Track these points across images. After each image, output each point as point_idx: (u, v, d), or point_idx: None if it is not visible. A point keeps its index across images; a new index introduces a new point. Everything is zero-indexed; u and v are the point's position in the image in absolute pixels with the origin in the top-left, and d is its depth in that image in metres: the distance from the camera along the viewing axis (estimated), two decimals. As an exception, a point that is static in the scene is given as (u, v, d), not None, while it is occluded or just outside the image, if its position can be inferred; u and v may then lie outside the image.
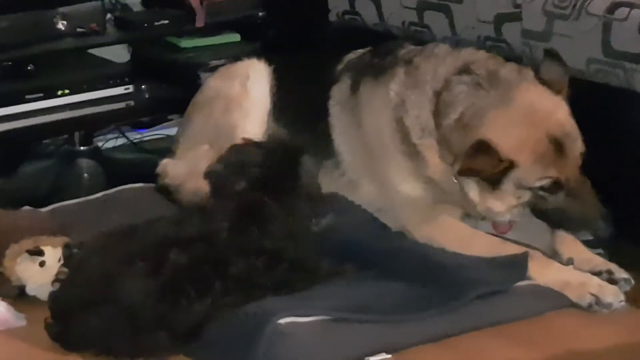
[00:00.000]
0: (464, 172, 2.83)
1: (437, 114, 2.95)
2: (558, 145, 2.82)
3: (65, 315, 2.56)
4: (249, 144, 2.87)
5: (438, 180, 2.96)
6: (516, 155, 2.80)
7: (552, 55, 2.99)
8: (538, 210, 2.88)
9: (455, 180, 2.91)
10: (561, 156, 2.82)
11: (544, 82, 2.91)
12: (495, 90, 2.89)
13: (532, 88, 2.90)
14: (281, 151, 2.79)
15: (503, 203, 2.87)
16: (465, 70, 2.96)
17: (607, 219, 2.82)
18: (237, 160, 2.81)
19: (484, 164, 2.79)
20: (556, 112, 2.86)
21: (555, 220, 2.88)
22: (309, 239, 2.74)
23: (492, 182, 2.83)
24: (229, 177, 2.78)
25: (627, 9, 3.01)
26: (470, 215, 3.02)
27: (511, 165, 2.80)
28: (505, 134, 2.81)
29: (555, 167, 2.81)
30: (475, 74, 2.93)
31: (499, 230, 2.99)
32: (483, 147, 2.79)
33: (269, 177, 2.72)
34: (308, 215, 2.74)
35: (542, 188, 2.83)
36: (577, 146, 2.85)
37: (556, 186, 2.83)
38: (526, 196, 2.85)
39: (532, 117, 2.83)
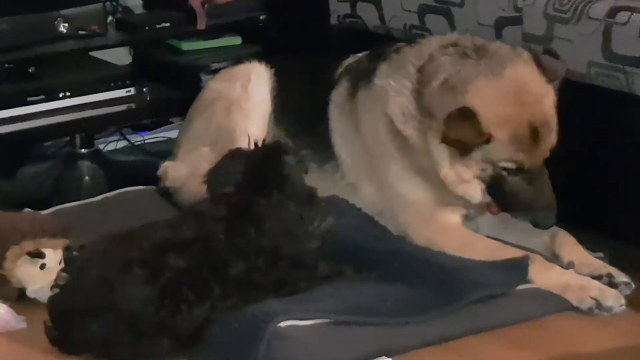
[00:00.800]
0: (446, 141, 2.82)
1: (420, 85, 2.95)
2: (535, 133, 2.83)
3: (65, 321, 2.56)
4: (229, 155, 2.85)
5: (427, 167, 2.95)
6: (495, 130, 2.80)
7: (550, 52, 2.99)
8: (493, 187, 2.88)
9: (429, 145, 2.91)
10: (534, 144, 2.83)
11: (540, 66, 2.91)
12: (486, 61, 2.89)
13: (527, 68, 2.90)
14: (261, 152, 2.78)
15: (470, 171, 2.88)
16: (451, 44, 2.96)
17: (552, 212, 2.84)
18: (219, 171, 2.80)
19: (466, 134, 2.80)
20: (543, 99, 2.87)
21: (504, 201, 2.90)
22: (305, 235, 2.73)
23: (465, 150, 2.84)
24: (214, 188, 2.78)
25: (628, 13, 3.01)
26: (470, 218, 3.03)
27: (488, 140, 2.81)
28: (491, 106, 2.81)
29: (525, 153, 2.83)
30: (461, 46, 2.94)
31: (493, 211, 2.98)
32: (467, 116, 2.79)
33: (253, 179, 2.72)
34: (300, 212, 2.73)
35: (504, 168, 2.84)
36: (550, 138, 2.86)
37: (518, 170, 2.84)
38: (489, 170, 2.87)
39: (520, 97, 2.84)
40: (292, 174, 2.74)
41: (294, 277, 2.68)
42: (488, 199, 2.93)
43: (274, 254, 2.65)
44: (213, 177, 2.80)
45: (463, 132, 2.79)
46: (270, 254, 2.64)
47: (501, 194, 2.89)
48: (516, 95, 2.83)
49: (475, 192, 2.92)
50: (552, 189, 2.87)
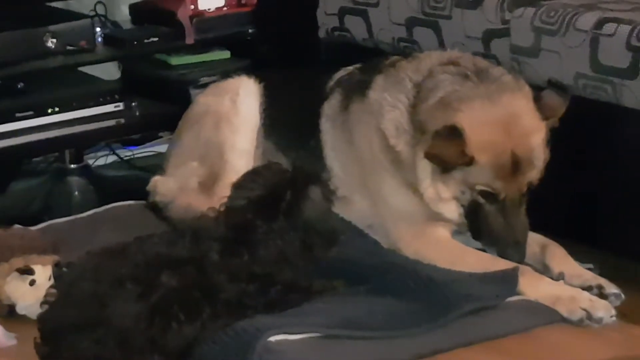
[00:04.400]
0: (430, 156, 2.83)
1: (417, 101, 2.95)
2: (516, 165, 2.83)
3: (55, 337, 2.55)
4: (253, 171, 2.84)
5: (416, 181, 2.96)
6: (478, 154, 2.81)
7: (554, 84, 2.99)
8: (470, 213, 2.90)
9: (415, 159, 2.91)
10: (512, 176, 2.84)
11: (538, 103, 2.91)
12: (485, 85, 2.89)
13: (523, 101, 2.90)
14: (287, 176, 2.76)
15: (448, 190, 2.89)
16: (451, 62, 2.97)
17: (518, 250, 2.86)
18: (242, 182, 2.79)
19: (450, 153, 2.80)
20: (532, 134, 2.86)
21: (478, 228, 2.91)
22: (303, 261, 2.71)
23: (445, 167, 2.85)
24: (232, 198, 2.76)
25: (615, 25, 3.03)
26: (461, 232, 3.03)
27: (470, 162, 2.82)
28: (479, 129, 2.81)
29: (502, 182, 2.84)
30: (462, 67, 2.94)
31: None
32: (454, 135, 2.79)
33: (265, 199, 2.70)
34: (304, 242, 2.71)
35: (480, 192, 2.85)
36: (531, 174, 2.86)
37: (492, 198, 2.86)
38: (467, 194, 2.88)
39: (509, 127, 2.83)
40: (310, 208, 2.72)
41: (286, 300, 2.67)
42: (464, 221, 2.94)
43: (266, 280, 2.64)
44: (234, 189, 2.78)
45: (447, 150, 2.80)
46: (263, 280, 2.63)
47: (476, 221, 2.90)
48: (505, 125, 2.83)
49: (452, 212, 2.93)
50: (526, 227, 2.89)
